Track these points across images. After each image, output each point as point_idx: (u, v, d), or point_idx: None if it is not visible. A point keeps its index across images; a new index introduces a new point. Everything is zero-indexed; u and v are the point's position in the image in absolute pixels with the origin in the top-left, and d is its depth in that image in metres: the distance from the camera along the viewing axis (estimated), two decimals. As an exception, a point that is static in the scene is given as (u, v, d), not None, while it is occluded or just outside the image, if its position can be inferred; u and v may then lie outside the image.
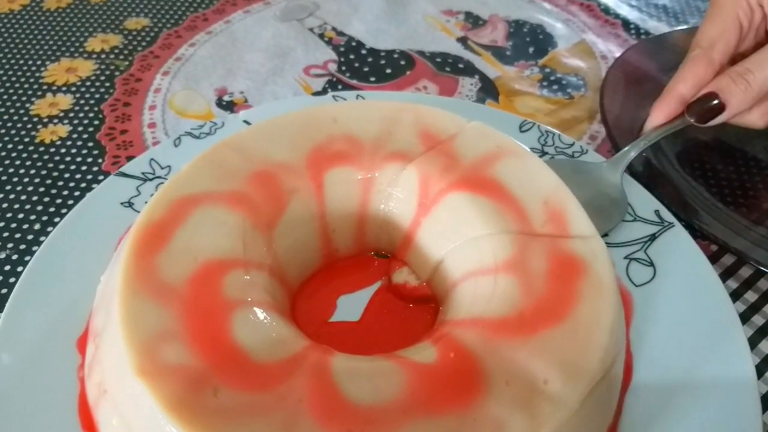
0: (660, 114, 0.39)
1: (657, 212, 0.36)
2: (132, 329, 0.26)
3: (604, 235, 0.35)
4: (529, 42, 0.54)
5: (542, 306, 0.27)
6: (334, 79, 0.49)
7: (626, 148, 0.39)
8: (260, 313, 0.27)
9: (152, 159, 0.38)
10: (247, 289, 0.28)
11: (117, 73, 0.49)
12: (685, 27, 0.56)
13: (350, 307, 0.33)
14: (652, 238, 0.35)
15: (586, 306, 0.27)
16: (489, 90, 0.49)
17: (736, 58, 0.39)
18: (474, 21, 0.56)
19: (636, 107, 0.44)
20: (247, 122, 0.40)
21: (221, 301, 0.27)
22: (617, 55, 0.50)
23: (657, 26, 0.56)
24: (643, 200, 0.36)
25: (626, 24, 0.56)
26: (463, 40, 0.54)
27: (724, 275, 0.37)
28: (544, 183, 0.32)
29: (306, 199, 0.32)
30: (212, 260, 0.28)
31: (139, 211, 0.32)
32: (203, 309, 0.27)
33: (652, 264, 0.33)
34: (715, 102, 0.36)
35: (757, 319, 0.34)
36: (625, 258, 0.34)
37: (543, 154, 0.39)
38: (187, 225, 0.30)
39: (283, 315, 0.28)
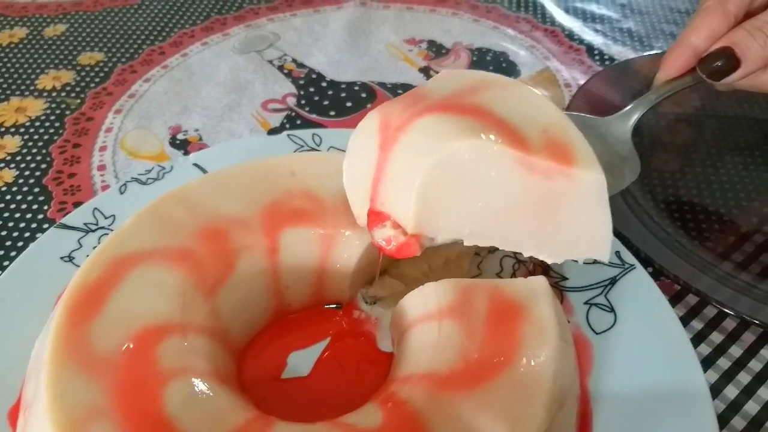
0: (671, 66, 0.36)
1: (618, 254, 0.35)
2: (59, 406, 0.24)
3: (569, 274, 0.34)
4: (492, 71, 0.53)
5: (485, 353, 0.26)
6: (293, 114, 0.48)
7: (633, 104, 0.36)
8: (197, 384, 0.26)
9: (95, 208, 0.36)
10: (183, 356, 0.26)
11: (68, 112, 0.48)
12: (650, 53, 0.55)
13: (301, 362, 0.31)
14: (613, 281, 0.34)
15: (527, 352, 0.26)
16: (451, 122, 0.48)
17: (749, 16, 0.35)
18: (437, 50, 0.55)
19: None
20: (197, 165, 0.39)
21: (155, 372, 0.26)
22: (581, 82, 0.50)
23: (622, 51, 0.56)
24: (604, 241, 0.35)
25: (590, 50, 0.56)
26: (425, 70, 0.53)
27: (689, 315, 0.36)
28: (543, 113, 0.28)
29: (257, 257, 0.31)
30: (148, 326, 0.27)
31: (80, 266, 0.31)
32: (136, 382, 0.25)
33: (612, 310, 0.33)
34: (731, 57, 0.34)
35: (723, 363, 0.33)
36: (585, 303, 0.33)
37: (502, 192, 0.38)
38: (124, 287, 0.28)
39: (223, 382, 0.27)
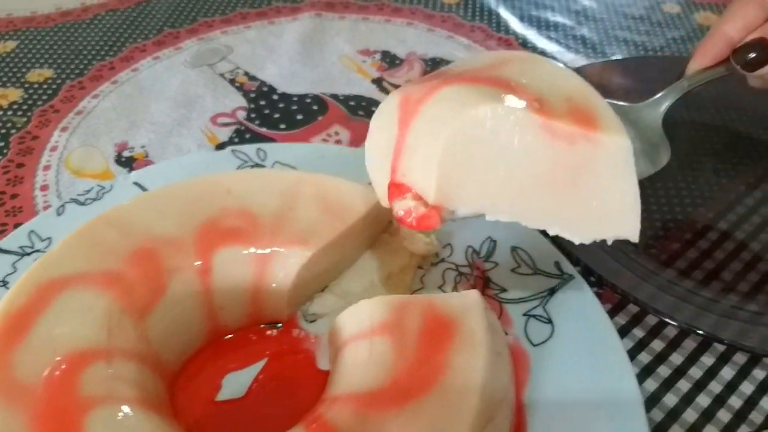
0: (704, 56, 0.36)
1: (557, 264, 0.35)
2: (-24, 439, 0.24)
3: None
4: (444, 80, 0.53)
5: (415, 371, 0.26)
6: (242, 128, 0.48)
7: (665, 91, 0.36)
8: (121, 411, 0.25)
9: (32, 231, 0.35)
10: (108, 383, 0.26)
11: (13, 131, 0.47)
12: (602, 60, 0.56)
13: (237, 384, 0.31)
14: (551, 292, 0.34)
15: (456, 368, 0.26)
16: (402, 133, 0.48)
17: None
18: (391, 60, 0.55)
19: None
20: (138, 184, 0.38)
21: (77, 400, 0.25)
22: (532, 90, 0.50)
23: (575, 59, 0.56)
24: (544, 251, 0.35)
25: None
26: (378, 81, 0.53)
27: (631, 323, 0.36)
28: (566, 83, 0.27)
29: (189, 279, 0.30)
30: (72, 353, 0.26)
31: (11, 292, 0.30)
32: (57, 411, 0.25)
33: (550, 321, 0.33)
34: (765, 49, 0.33)
35: (663, 371, 0.34)
36: (524, 315, 0.33)
37: (446, 205, 0.38)
38: (50, 312, 0.28)
39: (152, 407, 0.27)
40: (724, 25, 0.35)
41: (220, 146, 0.46)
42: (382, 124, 0.29)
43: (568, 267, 0.35)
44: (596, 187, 0.26)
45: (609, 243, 0.28)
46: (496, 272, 0.35)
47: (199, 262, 0.30)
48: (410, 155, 0.27)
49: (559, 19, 0.61)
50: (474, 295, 0.29)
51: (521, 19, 0.61)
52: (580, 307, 0.33)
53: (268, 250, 0.31)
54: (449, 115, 0.26)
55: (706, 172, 0.45)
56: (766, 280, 0.38)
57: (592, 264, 0.36)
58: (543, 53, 0.56)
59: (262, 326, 0.33)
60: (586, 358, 0.31)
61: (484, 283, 0.35)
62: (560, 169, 0.26)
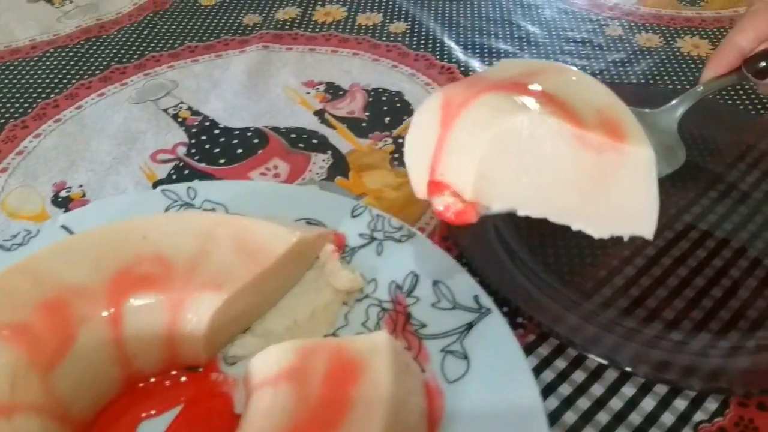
0: (716, 65, 0.38)
1: (476, 297, 0.35)
2: None
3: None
4: (386, 111, 0.54)
5: (317, 417, 0.27)
6: (181, 164, 0.48)
7: (680, 98, 0.39)
8: (18, 468, 0.25)
9: (-47, 279, 0.36)
10: (6, 440, 0.26)
11: (-49, 174, 0.47)
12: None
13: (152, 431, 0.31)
14: (469, 326, 0.34)
15: (358, 412, 0.26)
16: (340, 166, 0.48)
17: None
18: (334, 92, 0.56)
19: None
20: (65, 228, 0.39)
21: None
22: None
23: (515, 85, 0.57)
24: (464, 285, 0.36)
25: (484, 85, 0.57)
26: (320, 113, 0.54)
27: (554, 353, 0.36)
28: (596, 95, 0.31)
29: (99, 328, 0.30)
30: (-29, 409, 0.26)
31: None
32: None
33: (466, 357, 0.33)
34: None
35: (583, 402, 0.34)
36: (441, 351, 0.33)
37: (372, 239, 0.39)
38: (-45, 367, 0.28)
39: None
40: (736, 36, 0.37)
41: (158, 183, 0.46)
42: (423, 122, 0.32)
43: (486, 301, 0.35)
44: (620, 191, 0.29)
45: (625, 239, 0.31)
46: (417, 307, 0.35)
47: (110, 311, 0.31)
48: (449, 155, 0.30)
49: (501, 45, 0.62)
50: (381, 336, 0.29)
51: (465, 47, 0.62)
52: (496, 342, 0.33)
53: (180, 296, 0.31)
54: (490, 121, 0.29)
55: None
56: (690, 309, 0.38)
57: (511, 296, 0.36)
58: (485, 80, 0.57)
59: (181, 371, 0.33)
60: (498, 395, 0.31)
61: (405, 319, 0.35)
62: (588, 174, 0.29)
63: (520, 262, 0.40)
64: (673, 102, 0.40)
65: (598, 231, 0.31)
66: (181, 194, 0.41)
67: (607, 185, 0.29)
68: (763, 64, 0.36)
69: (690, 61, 0.60)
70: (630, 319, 0.37)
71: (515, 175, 0.29)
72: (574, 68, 0.33)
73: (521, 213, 0.31)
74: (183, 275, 0.32)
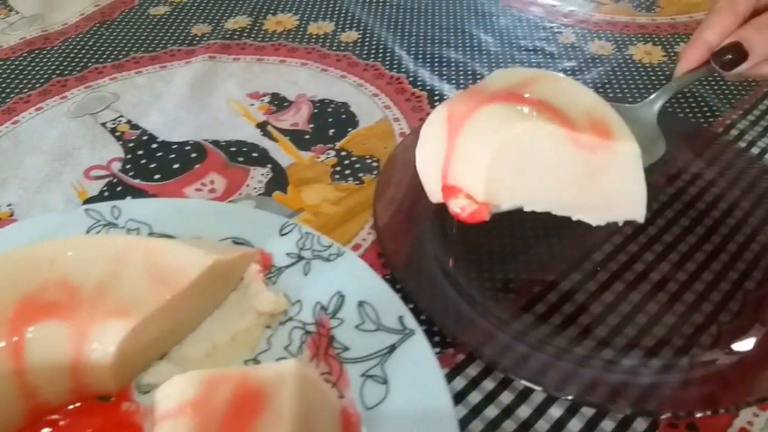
0: (687, 60, 0.41)
1: (401, 318, 0.34)
2: None
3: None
4: (331, 123, 0.53)
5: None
6: (115, 180, 0.47)
7: (658, 93, 0.43)
8: None
9: None
10: None
11: None
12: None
13: (57, 465, 0.30)
14: (391, 349, 0.33)
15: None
16: (279, 180, 0.47)
17: (755, 14, 0.41)
18: (279, 103, 0.55)
19: (410, 196, 0.43)
20: (-19, 251, 0.37)
21: None
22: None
23: (464, 95, 0.56)
24: (389, 306, 0.35)
25: (431, 95, 0.56)
26: (263, 125, 0.52)
27: (482, 374, 0.35)
28: (585, 99, 0.34)
29: None
30: None
31: None
32: None
33: (386, 381, 0.32)
34: (739, 51, 0.39)
35: (508, 425, 0.33)
36: (362, 376, 0.32)
37: (300, 259, 0.38)
38: None
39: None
40: (704, 32, 0.41)
41: (89, 201, 0.45)
42: (431, 134, 0.35)
43: (410, 322, 0.34)
44: (612, 182, 0.34)
45: (620, 224, 0.36)
46: (341, 330, 0.34)
47: (11, 341, 0.29)
48: (459, 162, 0.34)
49: (452, 54, 0.61)
50: (290, 365, 0.28)
51: (416, 56, 0.61)
52: (417, 366, 0.32)
53: (85, 324, 0.30)
54: (493, 130, 0.32)
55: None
56: (620, 329, 0.37)
57: (438, 316, 0.35)
58: (431, 91, 0.56)
59: (91, 401, 0.32)
60: (416, 422, 0.30)
61: (327, 342, 0.34)
62: (583, 170, 0.33)
63: (452, 282, 0.39)
64: (652, 96, 0.43)
65: (596, 219, 0.36)
66: (105, 214, 0.40)
67: (601, 178, 0.34)
68: (729, 56, 0.39)
69: (641, 69, 0.60)
70: (561, 338, 0.37)
71: (520, 176, 0.33)
72: (563, 75, 0.37)
73: (528, 209, 0.35)
74: (89, 302, 0.31)
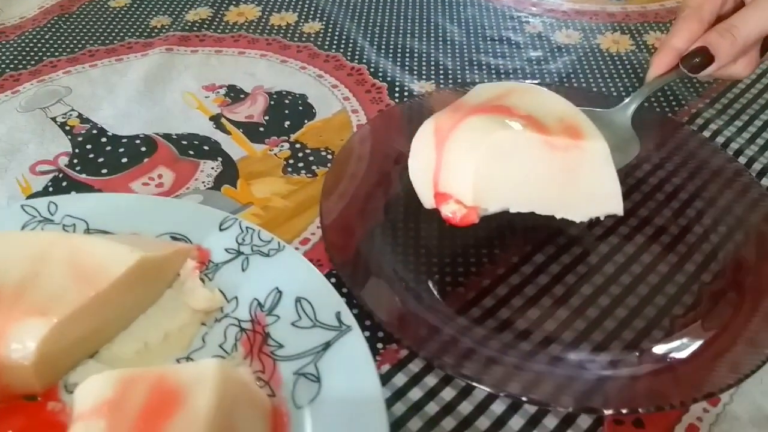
0: (657, 65, 0.44)
1: (338, 315, 0.33)
2: None
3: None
4: (287, 115, 0.51)
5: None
6: (60, 175, 0.46)
7: (630, 97, 0.45)
8: None
9: None
10: None
11: None
12: (450, 85, 0.55)
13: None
14: (326, 346, 0.32)
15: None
16: (229, 174, 0.46)
17: (719, 19, 0.43)
18: (236, 95, 0.54)
19: (363, 190, 0.43)
20: None
21: None
22: (374, 122, 0.49)
23: (425, 86, 0.55)
24: (327, 301, 0.34)
25: (392, 87, 0.55)
26: (216, 118, 0.51)
27: (425, 369, 0.34)
28: (557, 106, 0.37)
29: None
30: None
31: None
32: None
33: (318, 379, 0.31)
34: (706, 55, 0.41)
35: (448, 423, 0.32)
36: (295, 374, 0.31)
37: (238, 254, 0.37)
38: None
39: None
40: (672, 39, 0.43)
41: (33, 197, 0.44)
42: (421, 147, 0.38)
43: (348, 318, 0.33)
44: (587, 180, 0.36)
45: (602, 218, 0.39)
46: (277, 327, 0.33)
47: None
48: (447, 171, 0.36)
49: (416, 44, 0.60)
50: (209, 365, 0.27)
51: (378, 47, 0.60)
52: (351, 363, 0.31)
53: (4, 324, 0.29)
54: (476, 140, 0.35)
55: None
56: (569, 323, 0.36)
57: (378, 312, 0.34)
58: (392, 82, 0.55)
59: (17, 401, 0.31)
60: (346, 422, 0.29)
61: (262, 340, 0.33)
62: (560, 170, 0.36)
63: (399, 277, 0.38)
64: (626, 101, 0.45)
65: (578, 216, 0.37)
66: (41, 210, 0.38)
67: (577, 177, 0.36)
68: (697, 60, 0.41)
69: (608, 58, 0.59)
70: (507, 333, 0.35)
71: (503, 180, 0.36)
72: (538, 86, 0.40)
73: (513, 210, 0.37)
74: (9, 301, 0.30)
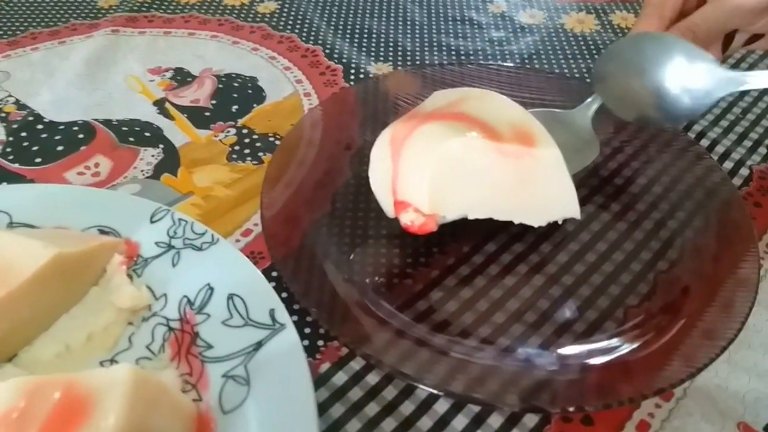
0: None
1: (272, 312, 0.31)
2: None
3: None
4: (235, 99, 0.49)
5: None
6: (-10, 166, 0.43)
7: (593, 97, 0.43)
8: None
9: None
10: None
11: None
12: (408, 67, 0.53)
13: None
14: (258, 346, 0.30)
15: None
16: (170, 162, 0.44)
17: (681, 15, 0.42)
18: (182, 78, 0.51)
19: (313, 178, 0.41)
20: None
21: None
22: (326, 106, 0.47)
23: (382, 67, 0.53)
24: (261, 298, 0.32)
25: (348, 69, 0.52)
26: (160, 103, 0.49)
27: (366, 367, 0.32)
28: (509, 112, 0.37)
29: None
30: None
31: None
32: None
33: (248, 382, 0.29)
34: None
35: (388, 423, 0.30)
36: (224, 376, 0.29)
37: (169, 248, 0.34)
38: None
39: None
40: None
41: (-41, 188, 0.41)
42: (378, 157, 0.37)
43: (282, 315, 0.31)
44: (542, 185, 0.36)
45: (560, 222, 0.38)
46: (207, 326, 0.31)
47: None
48: (404, 180, 0.36)
49: (375, 25, 0.58)
50: (122, 370, 0.25)
51: (335, 27, 0.57)
52: (283, 365, 0.29)
53: None
54: (430, 148, 0.35)
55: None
56: (518, 316, 0.35)
57: (316, 309, 0.32)
58: (347, 64, 0.53)
59: None
60: (275, 428, 0.27)
61: (191, 340, 0.31)
62: (514, 177, 0.35)
63: (343, 271, 0.36)
64: (587, 101, 0.43)
65: (536, 221, 0.37)
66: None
67: (531, 183, 0.35)
68: None
69: (572, 38, 0.57)
70: (453, 327, 0.34)
71: (459, 187, 0.35)
72: (493, 93, 0.39)
73: (471, 217, 0.36)
74: None
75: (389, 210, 0.37)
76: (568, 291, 0.36)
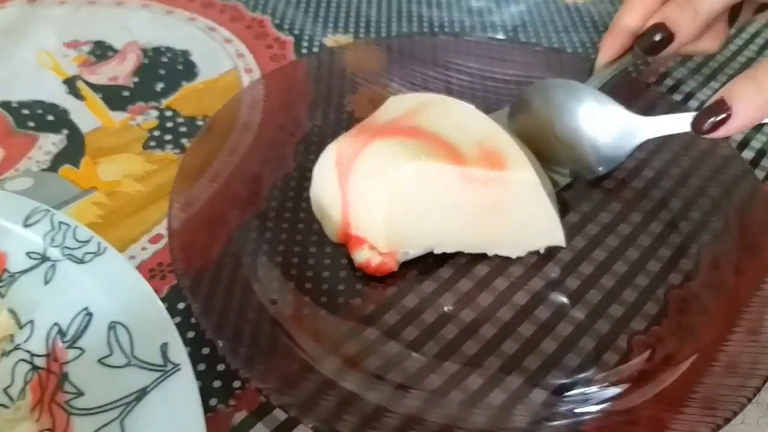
0: (608, 50, 0.36)
1: (164, 348, 0.24)
2: None
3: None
4: (162, 75, 0.41)
5: None
6: None
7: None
8: None
9: None
10: None
11: None
12: (361, 38, 0.45)
13: None
14: (143, 393, 0.23)
15: None
16: (74, 150, 0.36)
17: None
18: (102, 53, 0.43)
19: (247, 171, 0.33)
20: None
21: None
22: (272, 84, 0.39)
23: (340, 40, 0.45)
24: (153, 329, 0.24)
25: (299, 41, 0.45)
26: (71, 81, 0.41)
27: (294, 420, 0.25)
28: (476, 126, 0.31)
29: None
30: None
31: None
32: None
33: (121, 445, 0.21)
34: (664, 32, 0.34)
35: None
36: (93, 436, 0.22)
37: (43, 260, 0.27)
38: None
39: None
40: (624, 16, 0.36)
41: None
42: (323, 177, 0.31)
43: (176, 353, 0.23)
44: (516, 212, 0.30)
45: (542, 251, 0.31)
46: (79, 365, 0.23)
47: None
48: (356, 210, 0.30)
49: (336, -7, 0.50)
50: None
51: (287, -6, 0.50)
52: (173, 421, 0.22)
53: None
54: (381, 174, 0.29)
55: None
56: (487, 353, 0.27)
57: (223, 344, 0.24)
58: (300, 36, 0.45)
59: None
60: None
61: (56, 384, 0.23)
62: (482, 205, 0.29)
63: (272, 290, 0.28)
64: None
65: (514, 251, 0.31)
66: None
67: (504, 210, 0.30)
68: (655, 39, 0.34)
69: (562, 8, 0.49)
70: (410, 361, 0.26)
71: (419, 219, 0.30)
72: (456, 100, 0.33)
73: (438, 251, 0.31)
74: None
75: (332, 235, 0.32)
76: (557, 314, 0.29)
